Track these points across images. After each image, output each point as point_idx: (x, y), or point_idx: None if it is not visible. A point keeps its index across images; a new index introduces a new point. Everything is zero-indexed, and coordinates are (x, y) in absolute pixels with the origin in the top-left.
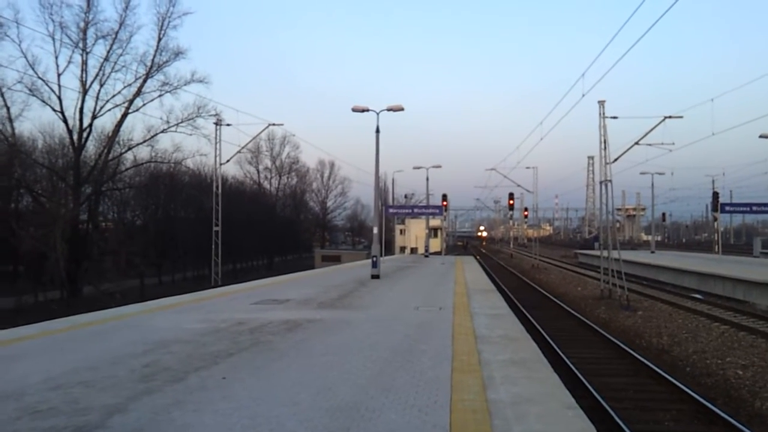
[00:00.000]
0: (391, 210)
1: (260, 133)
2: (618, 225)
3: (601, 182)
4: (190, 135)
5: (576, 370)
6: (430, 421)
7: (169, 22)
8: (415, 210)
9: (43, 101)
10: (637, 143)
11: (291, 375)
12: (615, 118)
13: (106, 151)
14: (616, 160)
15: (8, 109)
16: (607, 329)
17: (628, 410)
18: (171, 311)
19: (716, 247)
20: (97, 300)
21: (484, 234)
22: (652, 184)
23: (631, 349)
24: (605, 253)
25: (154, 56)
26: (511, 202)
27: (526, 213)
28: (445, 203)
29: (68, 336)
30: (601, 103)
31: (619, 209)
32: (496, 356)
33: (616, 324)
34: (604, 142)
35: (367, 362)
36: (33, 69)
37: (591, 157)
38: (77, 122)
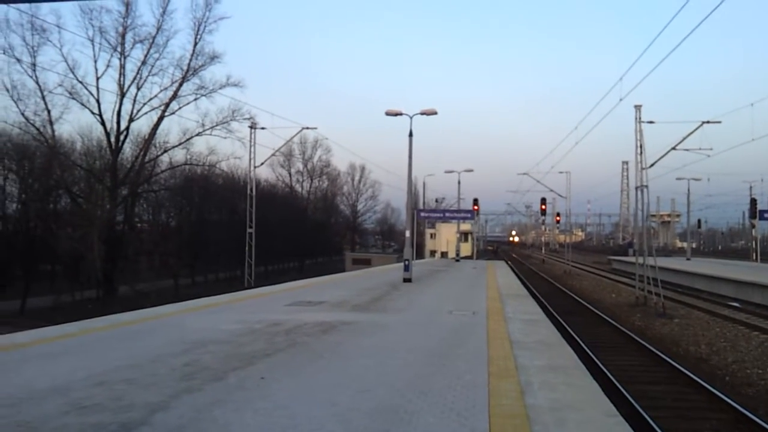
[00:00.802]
0: (422, 214)
1: (294, 136)
2: (652, 231)
3: (636, 188)
4: (225, 138)
5: (612, 378)
6: (469, 425)
7: (205, 26)
8: (447, 214)
9: (82, 104)
10: (674, 148)
11: (328, 376)
12: (651, 122)
13: (142, 153)
14: (652, 165)
15: (49, 112)
16: (643, 337)
17: (667, 419)
18: (207, 311)
19: (754, 254)
20: (132, 299)
21: (517, 239)
22: (688, 190)
23: (669, 357)
24: (641, 260)
25: (190, 60)
26: (544, 207)
27: (558, 218)
28: (476, 207)
29: (108, 334)
30: (638, 107)
31: (653, 215)
32: (532, 362)
33: (653, 332)
34: (640, 146)
35: (403, 365)
36: (73, 73)
37: (625, 162)
38: (115, 125)
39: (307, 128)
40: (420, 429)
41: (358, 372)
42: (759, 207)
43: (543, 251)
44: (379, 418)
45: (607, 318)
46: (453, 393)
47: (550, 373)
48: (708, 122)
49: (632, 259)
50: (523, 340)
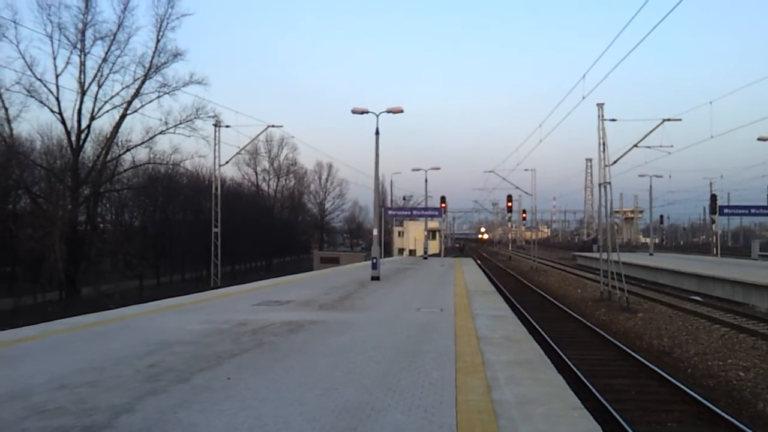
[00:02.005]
0: (390, 212)
1: (259, 134)
2: (616, 227)
3: (600, 184)
4: (189, 137)
5: (578, 372)
6: (437, 422)
7: (168, 23)
8: (414, 212)
9: (42, 102)
10: (636, 146)
11: (295, 376)
12: (614, 120)
13: (104, 152)
14: (615, 162)
15: (6, 110)
16: (608, 331)
17: (630, 411)
18: (173, 312)
19: (715, 249)
20: (96, 301)
21: (486, 236)
22: (651, 187)
23: (632, 351)
24: (605, 256)
25: (153, 58)
26: (510, 204)
27: (524, 215)
28: (443, 205)
29: (70, 337)
30: (600, 105)
31: (617, 211)
32: (499, 357)
33: (617, 326)
34: (603, 144)
35: (371, 363)
36: (31, 70)
37: (589, 160)
38: (75, 123)
39: (273, 126)
40: (388, 426)
41: (325, 371)
42: (719, 203)
43: (510, 248)
44: (347, 416)
45: (573, 313)
46: (421, 390)
47: (517, 368)
48: (669, 120)
49: (596, 254)
50: (489, 335)
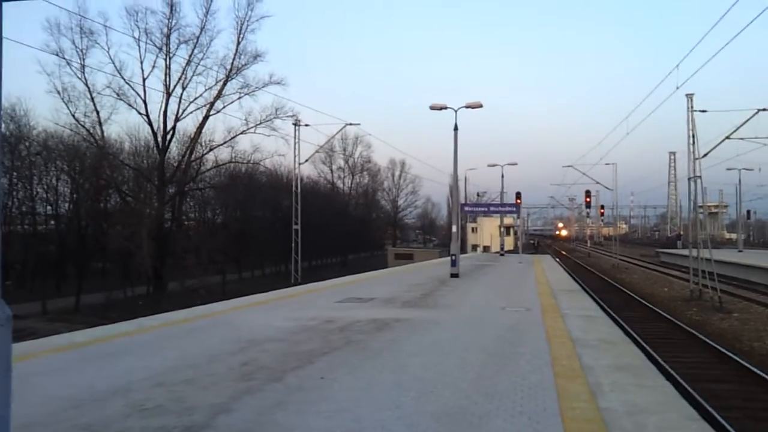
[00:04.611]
0: (467, 208)
1: (337, 132)
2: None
3: (689, 179)
4: (268, 136)
5: (676, 375)
6: (542, 431)
7: (248, 25)
8: (491, 208)
9: (130, 105)
10: (728, 137)
11: (388, 376)
12: (704, 111)
13: (188, 152)
14: (705, 155)
15: (98, 113)
16: (703, 332)
17: (740, 420)
18: (258, 309)
19: None
20: (181, 296)
21: (564, 233)
22: (739, 181)
23: (732, 354)
24: (694, 253)
25: (234, 60)
26: (588, 199)
27: (602, 210)
28: (518, 201)
29: (164, 333)
30: (690, 96)
31: (700, 206)
32: (597, 361)
33: (711, 327)
34: (693, 136)
35: (463, 364)
36: (120, 74)
37: (673, 153)
38: (161, 125)
39: (351, 124)
40: None
41: (417, 371)
42: None
43: (588, 244)
44: (447, 421)
45: (662, 313)
46: (520, 395)
47: (619, 374)
48: (764, 109)
49: (683, 251)
50: (583, 337)
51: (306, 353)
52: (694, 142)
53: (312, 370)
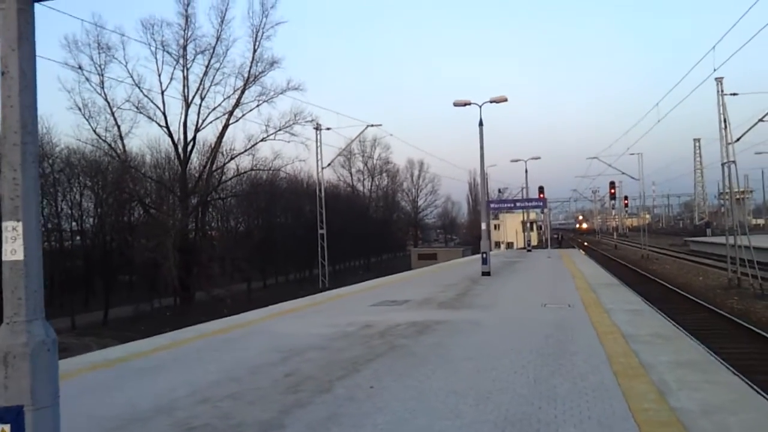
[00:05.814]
0: (492, 205)
1: (360, 134)
2: (724, 210)
3: (723, 164)
4: (288, 142)
5: (731, 368)
6: None
7: (263, 33)
8: (517, 204)
9: (150, 117)
10: (762, 119)
11: (439, 382)
12: (735, 95)
13: (209, 162)
14: (738, 139)
15: (119, 127)
16: (749, 321)
17: None
18: (292, 316)
19: None
20: (209, 305)
21: (585, 225)
22: None
23: None
24: (731, 240)
25: (251, 68)
26: (613, 191)
27: (626, 201)
28: (542, 195)
29: (200, 345)
30: (719, 80)
31: (726, 192)
32: (657, 358)
33: (756, 315)
34: (725, 120)
35: (515, 367)
36: (139, 87)
37: (697, 140)
38: (182, 136)
39: (372, 125)
40: None
41: (469, 376)
42: None
43: (615, 236)
44: (512, 430)
45: (702, 302)
46: (584, 398)
47: (683, 370)
48: None
49: (715, 239)
50: (635, 333)
51: (350, 361)
52: (726, 127)
53: (359, 379)
